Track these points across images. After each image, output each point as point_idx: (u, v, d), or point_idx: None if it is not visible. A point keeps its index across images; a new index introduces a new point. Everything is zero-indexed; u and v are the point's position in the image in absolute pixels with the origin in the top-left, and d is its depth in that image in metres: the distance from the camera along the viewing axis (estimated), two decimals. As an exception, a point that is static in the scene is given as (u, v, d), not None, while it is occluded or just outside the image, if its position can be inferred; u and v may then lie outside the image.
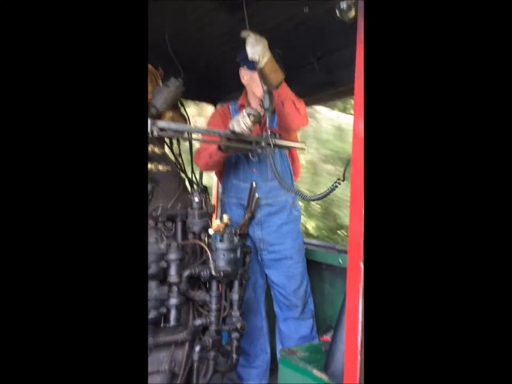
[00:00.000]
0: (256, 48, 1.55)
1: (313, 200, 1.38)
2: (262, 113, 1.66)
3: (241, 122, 1.61)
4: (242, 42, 1.61)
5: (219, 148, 1.83)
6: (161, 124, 1.39)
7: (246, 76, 1.93)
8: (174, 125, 1.50)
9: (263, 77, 1.62)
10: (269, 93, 1.57)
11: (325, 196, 1.36)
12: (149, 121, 1.38)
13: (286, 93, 1.73)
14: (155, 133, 1.37)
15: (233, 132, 1.64)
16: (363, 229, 0.94)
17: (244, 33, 1.56)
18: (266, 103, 1.55)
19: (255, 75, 1.78)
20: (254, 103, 2.00)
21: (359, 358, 0.96)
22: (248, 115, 1.60)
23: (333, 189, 1.34)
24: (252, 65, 1.73)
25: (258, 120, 1.63)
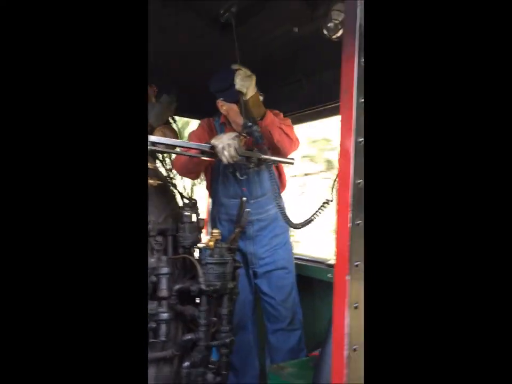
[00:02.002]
0: (245, 82, 1.65)
1: (301, 227, 1.40)
2: (243, 142, 1.70)
3: (226, 153, 1.66)
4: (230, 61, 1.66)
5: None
6: (153, 138, 1.41)
7: (224, 106, 1.96)
8: (165, 140, 1.53)
9: (246, 109, 1.69)
10: (254, 122, 1.62)
11: (312, 220, 1.37)
12: (141, 136, 1.40)
13: (272, 122, 1.78)
14: (148, 147, 1.39)
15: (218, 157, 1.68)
16: (349, 243, 0.95)
17: (235, 67, 1.65)
18: (256, 133, 1.60)
19: (233, 106, 1.88)
20: (234, 126, 2.04)
21: (345, 372, 0.97)
22: (234, 147, 1.65)
23: (320, 210, 1.36)
24: (228, 97, 1.84)
25: (240, 153, 1.68)
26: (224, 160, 1.67)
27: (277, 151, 1.81)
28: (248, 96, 1.66)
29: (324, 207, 1.35)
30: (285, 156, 1.89)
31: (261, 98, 1.98)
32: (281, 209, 1.58)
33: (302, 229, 1.43)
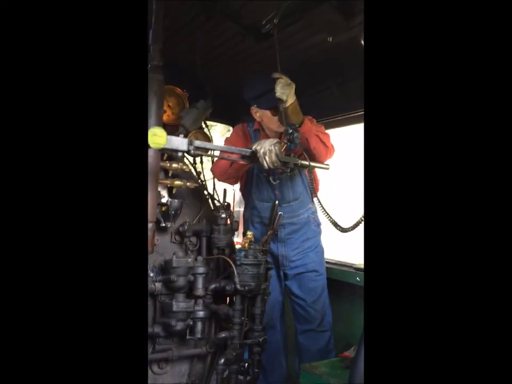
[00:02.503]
0: (286, 90, 1.68)
1: (351, 230, 1.43)
2: (284, 148, 1.75)
3: (268, 158, 1.70)
4: (267, 68, 1.72)
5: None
6: (197, 143, 1.47)
7: (258, 113, 2.01)
8: (208, 145, 1.59)
9: (286, 116, 1.73)
10: (295, 129, 1.66)
11: (361, 222, 1.40)
12: (186, 140, 1.47)
13: (309, 130, 1.81)
14: (192, 152, 1.45)
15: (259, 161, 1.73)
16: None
17: (276, 75, 1.69)
18: (297, 140, 1.65)
19: (267, 112, 1.94)
20: (268, 132, 2.08)
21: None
22: (275, 153, 1.70)
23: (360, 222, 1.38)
24: (261, 104, 1.90)
25: (281, 159, 1.72)
26: (265, 165, 1.71)
27: (312, 157, 1.86)
28: (288, 104, 1.70)
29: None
30: (320, 163, 1.93)
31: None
32: (327, 213, 1.57)
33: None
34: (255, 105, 1.96)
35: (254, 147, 1.72)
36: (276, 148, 1.68)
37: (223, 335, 1.71)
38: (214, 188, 2.05)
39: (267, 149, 1.69)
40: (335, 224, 1.54)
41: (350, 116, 2.39)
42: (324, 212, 1.73)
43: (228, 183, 2.14)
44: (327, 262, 2.40)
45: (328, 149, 1.89)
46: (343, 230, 1.53)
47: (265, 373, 2.20)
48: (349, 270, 2.28)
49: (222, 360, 1.65)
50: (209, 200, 1.99)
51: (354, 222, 1.41)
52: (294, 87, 1.70)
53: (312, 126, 1.84)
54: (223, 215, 1.78)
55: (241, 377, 1.81)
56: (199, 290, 1.66)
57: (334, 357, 2.06)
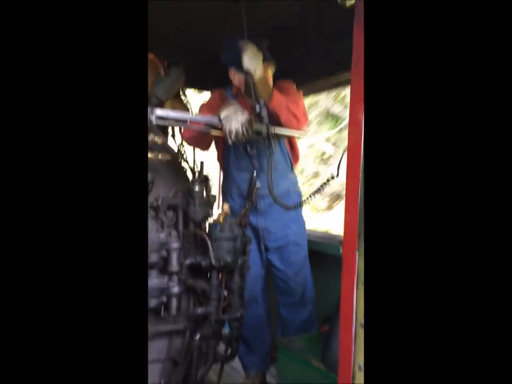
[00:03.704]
0: (253, 61, 1.61)
1: (299, 207, 1.37)
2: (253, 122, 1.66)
3: (233, 137, 1.62)
4: (241, 31, 1.61)
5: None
6: (160, 112, 1.38)
7: (237, 77, 1.91)
8: (172, 113, 1.50)
9: (255, 89, 1.64)
10: (263, 106, 1.58)
11: (313, 195, 1.34)
12: (148, 109, 1.38)
13: (279, 103, 1.73)
14: (153, 121, 1.36)
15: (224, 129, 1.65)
16: (358, 217, 0.93)
17: (243, 44, 1.60)
18: (265, 115, 1.56)
19: None
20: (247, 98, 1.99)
21: (353, 347, 0.96)
22: (243, 133, 1.62)
23: (323, 186, 1.33)
24: (240, 67, 1.75)
25: (250, 134, 1.64)
26: (230, 142, 1.64)
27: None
28: (257, 76, 1.62)
29: (327, 183, 1.32)
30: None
31: (273, 68, 1.94)
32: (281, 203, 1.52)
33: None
34: (234, 68, 1.86)
35: (221, 116, 1.63)
36: (244, 127, 1.60)
37: (199, 311, 1.67)
38: (194, 161, 1.97)
39: (233, 127, 1.60)
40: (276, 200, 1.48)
41: (336, 80, 2.30)
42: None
43: (200, 148, 2.05)
44: (310, 234, 2.35)
45: (300, 121, 1.82)
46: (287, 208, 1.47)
47: (248, 346, 2.19)
48: (332, 242, 2.24)
49: (198, 336, 1.62)
50: (189, 173, 1.92)
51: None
52: (261, 57, 1.62)
53: (282, 98, 1.74)
54: (197, 188, 1.70)
55: (222, 348, 1.79)
56: (173, 266, 1.61)
57: (316, 330, 2.05)
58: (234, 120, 1.61)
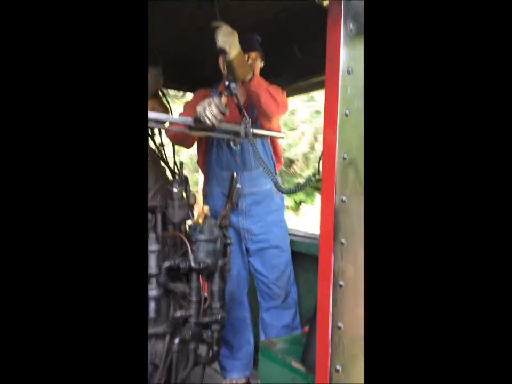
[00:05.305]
0: (227, 39, 1.53)
1: (290, 193, 1.34)
2: (225, 101, 1.63)
3: (208, 113, 1.59)
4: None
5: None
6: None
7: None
8: (151, 114, 1.47)
9: (231, 70, 1.59)
10: (232, 80, 1.55)
11: (300, 189, 1.33)
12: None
13: (260, 84, 1.71)
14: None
15: (198, 120, 1.62)
16: (334, 219, 0.92)
17: (216, 23, 1.54)
18: (233, 90, 1.53)
19: None
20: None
21: (329, 349, 0.95)
22: (215, 105, 1.58)
23: (308, 182, 1.32)
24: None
25: (223, 111, 1.61)
26: (208, 121, 1.59)
27: (264, 114, 1.76)
28: (232, 55, 1.54)
29: (310, 179, 1.30)
30: (271, 119, 1.83)
31: (262, 64, 1.92)
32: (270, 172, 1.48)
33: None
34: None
35: (197, 107, 1.62)
36: (215, 99, 1.57)
37: (179, 314, 1.64)
38: (174, 162, 1.95)
39: (206, 103, 1.57)
40: (276, 184, 1.46)
41: (316, 80, 2.29)
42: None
43: (184, 146, 2.03)
44: (294, 235, 2.34)
45: (279, 105, 1.79)
46: (282, 191, 1.45)
47: (231, 349, 2.16)
48: (315, 242, 2.23)
49: (177, 339, 1.60)
50: (168, 174, 1.89)
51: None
52: (236, 36, 1.54)
53: (262, 81, 1.72)
54: (175, 189, 1.68)
55: (204, 351, 1.77)
56: (152, 269, 1.59)
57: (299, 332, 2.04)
58: (208, 104, 1.59)
